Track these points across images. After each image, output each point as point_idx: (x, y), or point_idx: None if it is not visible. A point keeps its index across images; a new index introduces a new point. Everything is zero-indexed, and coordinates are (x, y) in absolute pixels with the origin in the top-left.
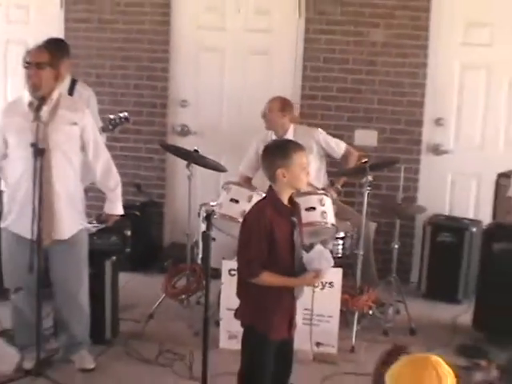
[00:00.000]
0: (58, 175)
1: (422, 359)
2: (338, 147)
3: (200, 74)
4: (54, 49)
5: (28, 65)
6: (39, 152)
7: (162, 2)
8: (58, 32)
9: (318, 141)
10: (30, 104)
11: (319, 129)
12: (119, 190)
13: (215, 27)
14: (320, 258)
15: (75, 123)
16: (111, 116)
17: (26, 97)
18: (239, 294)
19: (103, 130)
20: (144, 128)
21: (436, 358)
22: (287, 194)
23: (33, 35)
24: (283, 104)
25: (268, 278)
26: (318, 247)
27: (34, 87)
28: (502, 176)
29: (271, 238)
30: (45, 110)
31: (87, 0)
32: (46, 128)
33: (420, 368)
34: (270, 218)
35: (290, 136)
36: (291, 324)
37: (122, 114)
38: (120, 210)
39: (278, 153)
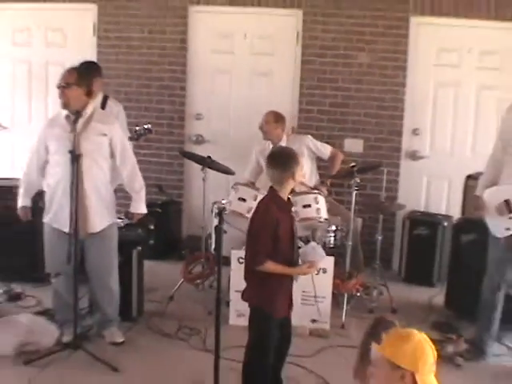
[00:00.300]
0: (88, 178)
1: (417, 333)
2: (325, 149)
3: (212, 92)
4: (86, 70)
5: (58, 85)
6: (76, 158)
7: (180, 29)
8: (91, 55)
9: (307, 145)
10: (67, 117)
11: (309, 135)
12: (143, 193)
13: (225, 51)
14: (314, 252)
15: (104, 134)
16: (137, 127)
17: (64, 111)
18: (246, 278)
19: (130, 139)
20: (165, 137)
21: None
22: (287, 193)
23: (69, 58)
24: (276, 117)
25: (272, 267)
26: (313, 243)
27: (63, 104)
28: (470, 178)
29: (276, 232)
30: (80, 122)
31: (116, 29)
32: (79, 137)
33: (419, 340)
34: (275, 215)
35: (283, 144)
36: (290, 304)
37: (146, 126)
38: (143, 210)
39: (291, 163)
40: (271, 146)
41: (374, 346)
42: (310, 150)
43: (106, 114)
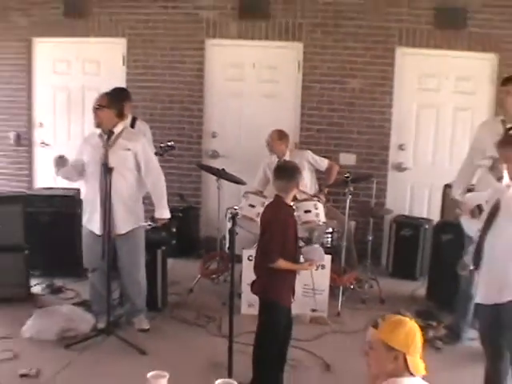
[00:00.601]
0: (115, 187)
1: (409, 321)
2: (323, 162)
3: (226, 113)
4: (117, 95)
5: (93, 107)
6: (107, 170)
7: (197, 60)
8: (121, 82)
9: (308, 159)
10: (100, 135)
11: (309, 151)
12: (165, 201)
13: (236, 79)
14: (315, 252)
15: (128, 149)
16: (162, 144)
17: (98, 130)
18: (257, 274)
19: (156, 154)
20: (185, 153)
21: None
22: (290, 200)
23: (103, 84)
24: (281, 135)
25: (282, 264)
26: (315, 245)
27: (97, 124)
28: (447, 186)
29: (285, 233)
30: (111, 139)
31: (142, 59)
32: (108, 152)
33: (410, 326)
34: (284, 219)
35: (287, 158)
36: (293, 295)
37: (169, 143)
38: (167, 215)
39: (296, 175)
40: (276, 160)
41: (372, 330)
42: (309, 164)
43: (134, 132)
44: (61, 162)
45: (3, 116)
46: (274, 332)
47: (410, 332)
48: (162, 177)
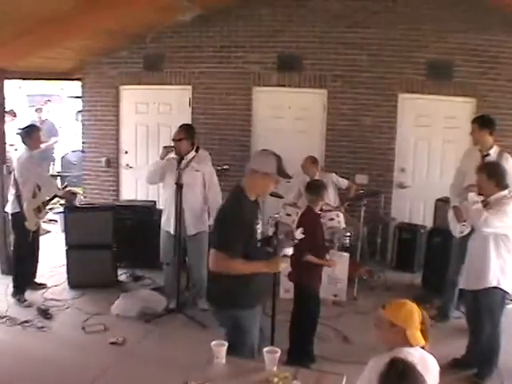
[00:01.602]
0: (185, 199)
1: (409, 303)
2: (343, 182)
3: (268, 144)
4: (188, 130)
5: (173, 139)
6: (179, 187)
7: (246, 102)
8: (188, 119)
9: (332, 179)
10: (175, 159)
11: (333, 173)
12: None
13: (276, 117)
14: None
15: (197, 170)
16: (218, 167)
17: (175, 156)
18: (292, 266)
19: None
20: (236, 174)
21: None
22: (318, 210)
23: (174, 122)
24: (313, 159)
25: (310, 258)
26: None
27: (176, 152)
28: (438, 200)
29: (313, 235)
30: (183, 163)
31: (204, 102)
32: (182, 172)
33: (410, 307)
34: (313, 224)
35: (317, 177)
36: (320, 282)
37: (224, 167)
38: None
39: (321, 191)
40: (308, 179)
41: (381, 311)
42: (333, 184)
43: (202, 158)
44: (165, 151)
45: (97, 145)
46: (305, 311)
47: (409, 312)
48: (219, 194)
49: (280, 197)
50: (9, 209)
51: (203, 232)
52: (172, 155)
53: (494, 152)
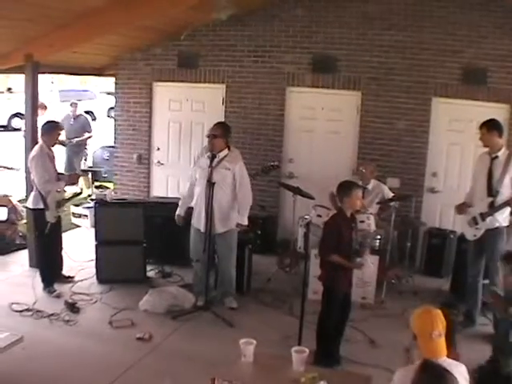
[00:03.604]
0: (215, 197)
1: (430, 311)
2: (389, 194)
3: (300, 144)
4: (224, 127)
5: (208, 136)
6: (211, 184)
7: (280, 102)
8: (221, 118)
9: (383, 192)
10: (208, 157)
11: (385, 186)
12: (247, 212)
13: (309, 118)
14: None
15: (229, 169)
16: (267, 164)
17: (208, 153)
18: (321, 266)
19: (262, 171)
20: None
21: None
22: (348, 212)
23: (207, 120)
24: (373, 169)
25: (335, 258)
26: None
27: (211, 148)
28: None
29: (339, 235)
30: (215, 161)
31: (237, 101)
32: (213, 170)
33: (425, 317)
34: (339, 225)
35: (370, 186)
36: (350, 284)
37: (274, 163)
38: (245, 222)
39: (350, 191)
40: (360, 183)
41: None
42: (382, 193)
43: (235, 156)
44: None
45: (129, 141)
46: (328, 311)
47: (422, 322)
48: (250, 193)
49: (311, 198)
50: (30, 204)
51: (232, 230)
52: (207, 154)
53: (502, 154)
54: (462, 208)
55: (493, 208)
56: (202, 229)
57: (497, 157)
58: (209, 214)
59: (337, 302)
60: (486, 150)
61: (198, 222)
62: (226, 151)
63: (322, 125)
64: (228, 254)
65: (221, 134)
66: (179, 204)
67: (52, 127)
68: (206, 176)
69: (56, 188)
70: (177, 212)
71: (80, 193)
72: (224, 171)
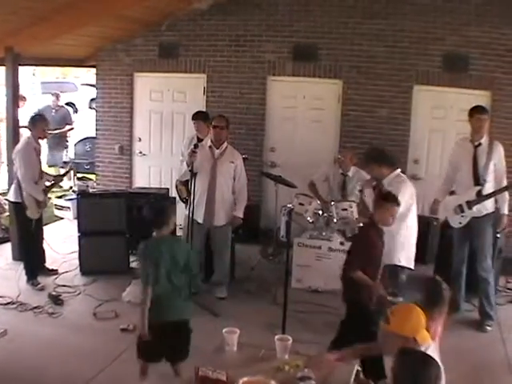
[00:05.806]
0: (218, 190)
1: (413, 308)
2: (367, 176)
3: (282, 133)
4: (226, 120)
5: (215, 126)
6: (214, 177)
7: (261, 91)
8: (202, 108)
9: (365, 178)
10: (210, 147)
11: (362, 171)
12: (244, 205)
13: (290, 106)
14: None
15: (232, 162)
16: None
17: (208, 143)
18: (343, 278)
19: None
20: (249, 163)
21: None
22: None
23: (188, 110)
24: (351, 155)
25: (359, 275)
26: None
27: (216, 138)
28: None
29: (369, 252)
30: (217, 152)
31: (219, 90)
32: (216, 162)
33: (416, 314)
34: (371, 239)
35: (350, 173)
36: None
37: (243, 156)
38: (241, 215)
39: (392, 204)
40: (340, 172)
41: (385, 327)
42: (362, 180)
43: (234, 149)
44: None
45: (110, 132)
46: (354, 330)
47: (416, 320)
48: (246, 187)
49: (293, 186)
50: (10, 197)
51: (228, 223)
52: (208, 144)
53: (484, 141)
54: (434, 208)
55: (481, 196)
56: (201, 220)
57: (480, 144)
58: (206, 205)
59: (362, 318)
60: (464, 136)
61: (197, 213)
62: (226, 143)
63: (303, 113)
64: (225, 247)
65: (226, 125)
66: (182, 173)
67: (36, 120)
68: (207, 167)
69: (35, 192)
70: (177, 178)
71: (61, 179)
72: (228, 164)
